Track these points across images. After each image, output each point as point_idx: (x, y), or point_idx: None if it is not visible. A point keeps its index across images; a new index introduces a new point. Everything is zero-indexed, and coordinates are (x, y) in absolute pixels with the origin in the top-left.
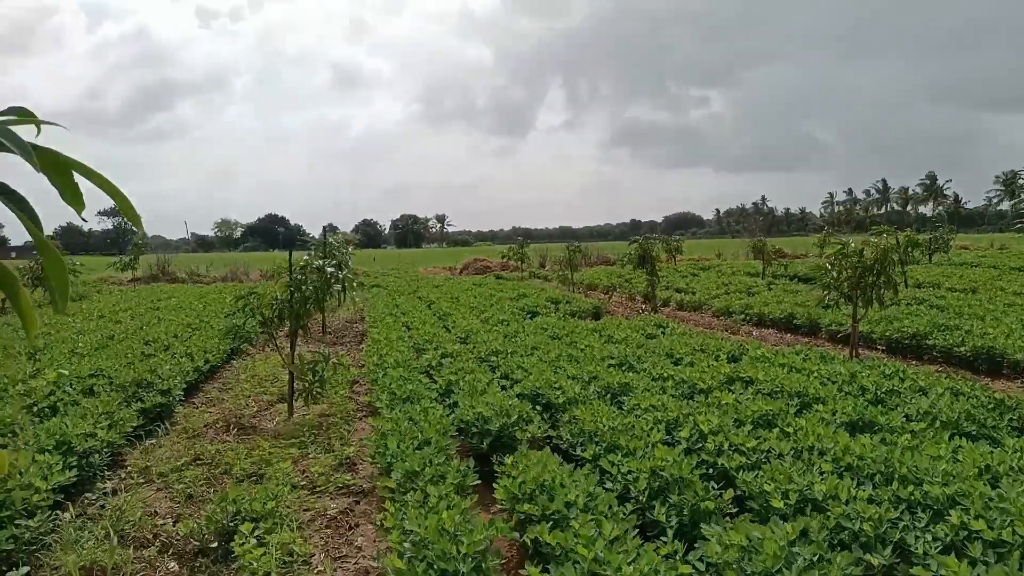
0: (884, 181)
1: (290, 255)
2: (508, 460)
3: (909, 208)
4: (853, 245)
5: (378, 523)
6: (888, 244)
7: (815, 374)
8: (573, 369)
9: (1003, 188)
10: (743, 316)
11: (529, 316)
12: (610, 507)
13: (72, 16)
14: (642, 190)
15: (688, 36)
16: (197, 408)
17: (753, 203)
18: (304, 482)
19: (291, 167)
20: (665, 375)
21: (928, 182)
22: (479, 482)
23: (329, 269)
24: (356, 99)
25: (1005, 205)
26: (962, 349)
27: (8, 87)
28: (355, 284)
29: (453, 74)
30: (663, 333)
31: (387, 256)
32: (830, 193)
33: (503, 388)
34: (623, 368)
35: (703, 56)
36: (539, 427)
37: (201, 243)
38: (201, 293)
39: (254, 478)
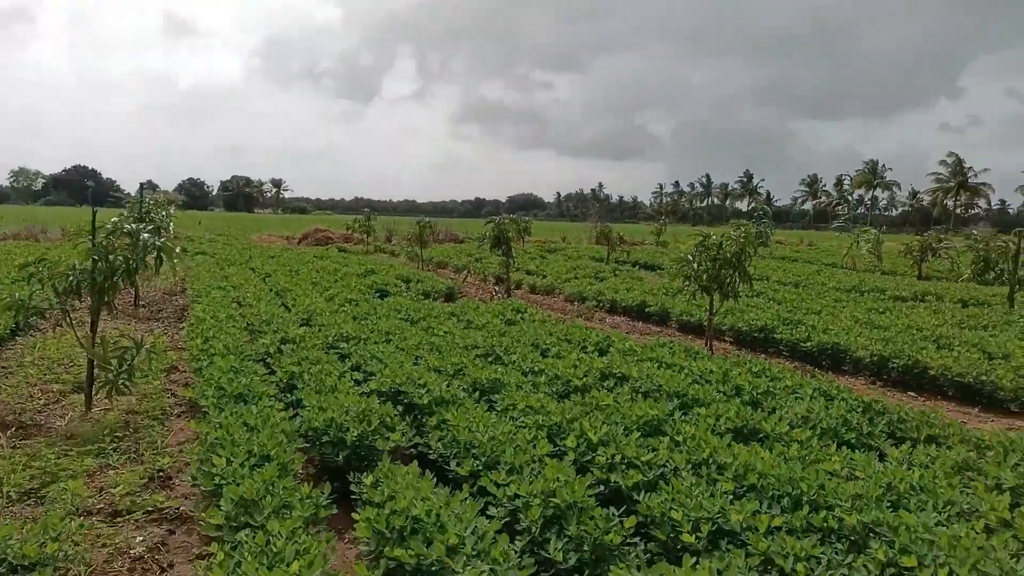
0: (708, 176)
1: (94, 214)
2: (368, 479)
3: (727, 203)
4: (714, 237)
5: (202, 570)
6: (746, 237)
7: (686, 371)
8: (435, 360)
9: (807, 189)
10: (596, 302)
11: (379, 295)
12: (497, 544)
13: None
14: (487, 169)
15: (540, 20)
16: None
17: (592, 189)
18: (102, 505)
19: (109, 118)
20: (536, 369)
21: (745, 180)
22: (335, 511)
23: (144, 235)
24: (187, 48)
25: (807, 205)
26: (808, 344)
27: None
28: (176, 251)
29: (297, 32)
30: (522, 319)
31: (215, 219)
32: (659, 184)
33: (357, 383)
34: (490, 360)
35: (553, 41)
36: (404, 435)
37: None
38: None
39: (32, 500)
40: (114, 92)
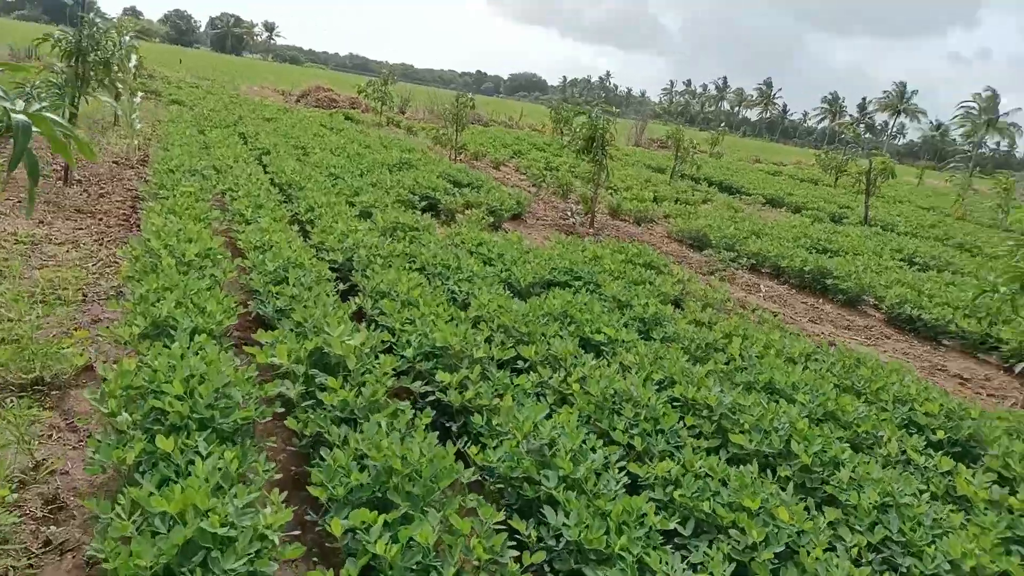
0: (725, 79)
1: None
2: None
3: (738, 110)
4: None
5: None
6: None
7: None
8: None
9: (828, 107)
10: (731, 253)
11: (427, 208)
12: None
13: None
14: (490, 41)
15: None
16: None
17: (599, 77)
18: None
19: None
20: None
21: (764, 87)
22: None
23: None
24: None
25: (824, 124)
26: None
27: None
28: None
29: None
30: (677, 295)
31: (200, 59)
32: (671, 81)
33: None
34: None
35: None
36: None
37: None
38: None
39: None
40: None
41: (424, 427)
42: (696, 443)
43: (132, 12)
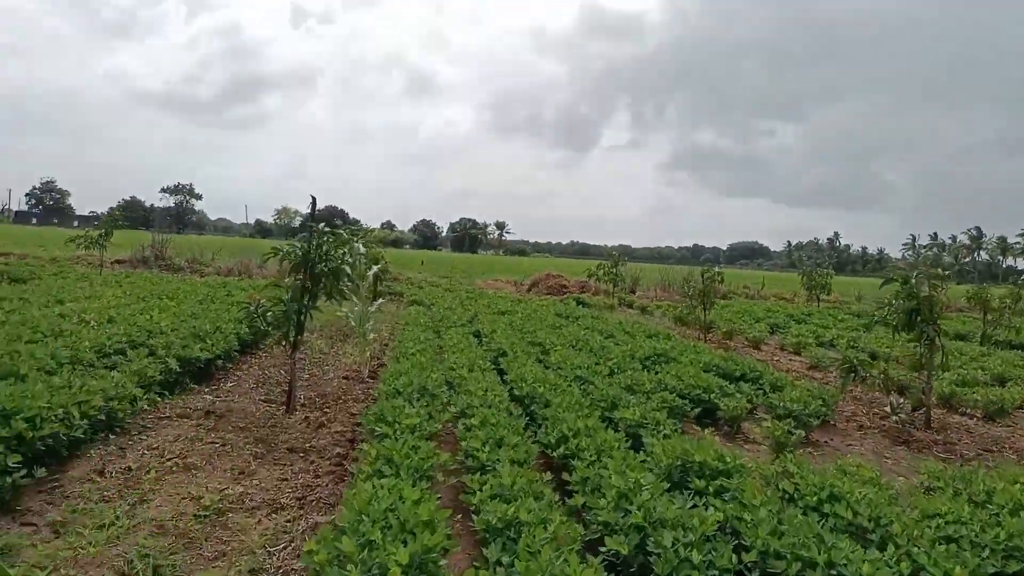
0: (978, 228)
1: None
2: None
3: (1001, 259)
4: None
5: None
6: None
7: None
8: None
9: None
10: None
11: (702, 413)
12: None
13: (173, 5)
14: (701, 215)
15: (757, 68)
16: None
17: (828, 239)
18: None
19: (360, 165)
20: None
21: None
22: None
23: None
24: (428, 105)
25: None
26: None
27: (111, 66)
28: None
29: (524, 87)
30: None
31: (440, 260)
32: (912, 235)
33: None
34: None
35: (771, 89)
36: None
37: (260, 229)
38: (164, 291)
39: None
40: (366, 143)
41: None
42: None
43: (388, 225)
